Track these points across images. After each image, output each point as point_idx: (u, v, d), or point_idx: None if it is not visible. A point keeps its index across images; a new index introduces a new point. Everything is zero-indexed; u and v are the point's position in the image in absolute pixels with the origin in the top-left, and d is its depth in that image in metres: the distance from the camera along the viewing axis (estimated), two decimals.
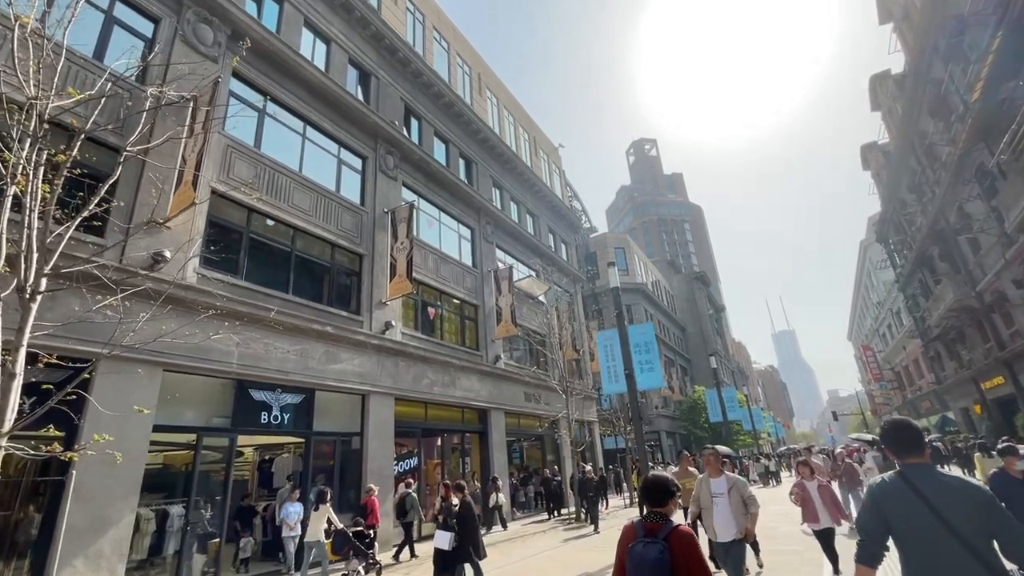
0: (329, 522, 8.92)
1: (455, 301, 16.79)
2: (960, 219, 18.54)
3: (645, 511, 2.75)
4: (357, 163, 14.07)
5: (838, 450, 13.26)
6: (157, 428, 7.96)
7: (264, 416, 9.76)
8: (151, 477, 8.06)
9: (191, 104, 9.44)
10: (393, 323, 13.01)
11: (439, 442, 15.76)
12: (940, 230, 20.72)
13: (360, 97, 14.65)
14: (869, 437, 16.91)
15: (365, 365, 12.02)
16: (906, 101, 20.76)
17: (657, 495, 2.69)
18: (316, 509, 8.89)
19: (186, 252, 8.89)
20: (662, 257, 70.37)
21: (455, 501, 7.60)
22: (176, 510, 8.26)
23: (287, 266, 11.13)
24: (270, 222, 10.95)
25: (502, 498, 14.22)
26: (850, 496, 10.74)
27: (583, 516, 14.07)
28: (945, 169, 18.31)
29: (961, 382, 24.43)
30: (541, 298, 21.35)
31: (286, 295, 10.70)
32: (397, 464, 13.73)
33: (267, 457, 12.05)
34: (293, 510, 9.47)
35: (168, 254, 8.47)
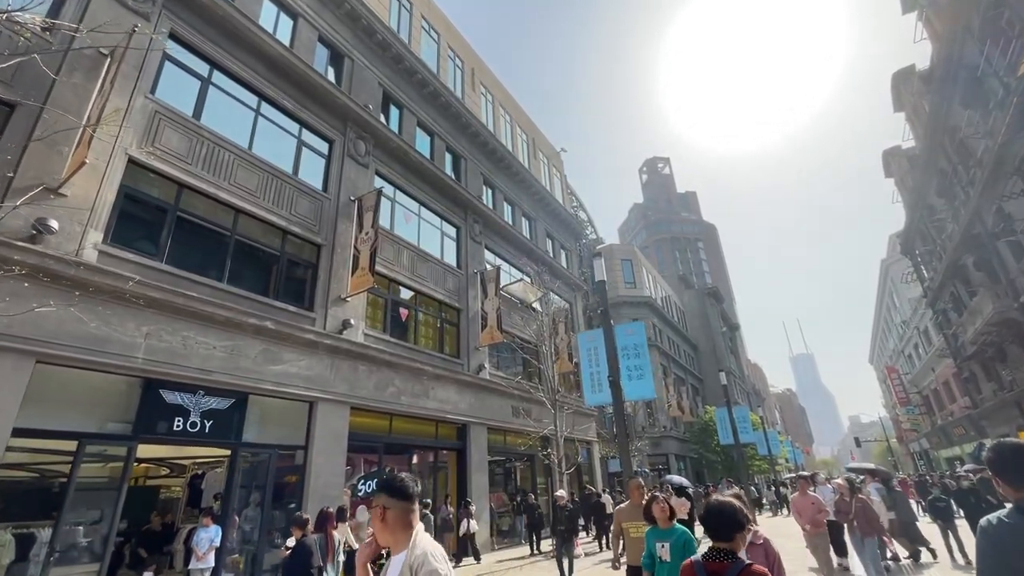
0: (347, 542, 8.44)
1: (433, 303, 15.29)
2: (999, 220, 16.63)
3: (707, 547, 2.28)
4: (322, 146, 12.80)
5: (837, 480, 9.43)
6: (20, 432, 6.51)
7: (178, 422, 8.26)
8: (14, 493, 6.61)
9: (107, 60, 8.24)
10: (352, 322, 11.53)
11: (415, 459, 14.14)
12: (975, 235, 18.76)
13: (331, 78, 13.46)
14: (870, 466, 14.67)
15: (315, 367, 10.52)
16: (934, 96, 19.05)
17: (722, 526, 2.26)
18: (335, 528, 8.08)
19: (84, 225, 7.60)
20: (675, 275, 68.34)
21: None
22: (46, 534, 6.74)
23: (223, 251, 9.76)
24: (204, 200, 9.61)
25: (475, 525, 12.46)
26: (864, 545, 7.58)
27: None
28: (981, 166, 16.49)
29: (1001, 405, 22.06)
30: (536, 305, 19.79)
31: (218, 283, 9.30)
32: (363, 483, 12.14)
33: (200, 472, 10.53)
34: (205, 536, 7.98)
35: (55, 224, 7.13)
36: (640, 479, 4.53)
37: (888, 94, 24.64)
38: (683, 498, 5.86)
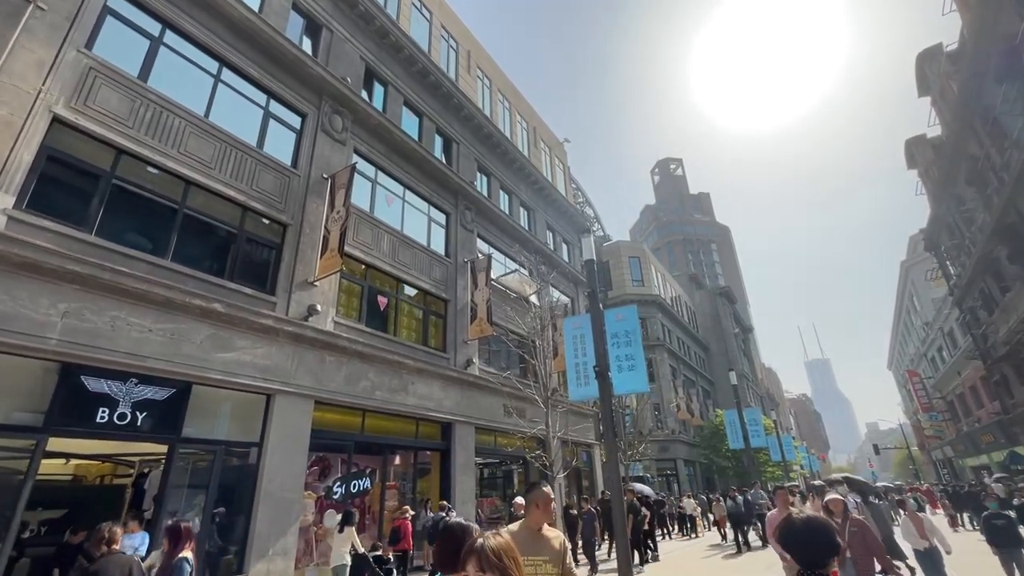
0: (353, 546, 8.53)
1: (417, 292, 14.25)
2: None
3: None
4: (293, 120, 11.86)
5: (831, 495, 6.12)
6: None
7: (103, 413, 7.28)
8: None
9: (30, 5, 7.36)
10: (320, 308, 10.53)
11: (397, 460, 13.13)
12: (1010, 224, 17.27)
13: (307, 50, 12.53)
14: (840, 476, 12.94)
15: (274, 357, 9.52)
16: (964, 73, 17.63)
17: (814, 548, 1.85)
18: (341, 531, 8.47)
19: None
20: (686, 276, 66.70)
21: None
22: None
23: (169, 225, 8.80)
24: (148, 169, 8.67)
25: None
26: None
27: None
28: (1018, 146, 15.07)
29: None
30: (533, 299, 18.65)
31: (160, 260, 8.34)
32: (339, 486, 11.16)
33: (145, 470, 9.58)
34: (128, 544, 6.95)
35: None
36: (548, 488, 3.06)
37: (907, 86, 23.19)
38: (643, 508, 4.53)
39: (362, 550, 8.90)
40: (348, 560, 8.37)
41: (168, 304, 8.08)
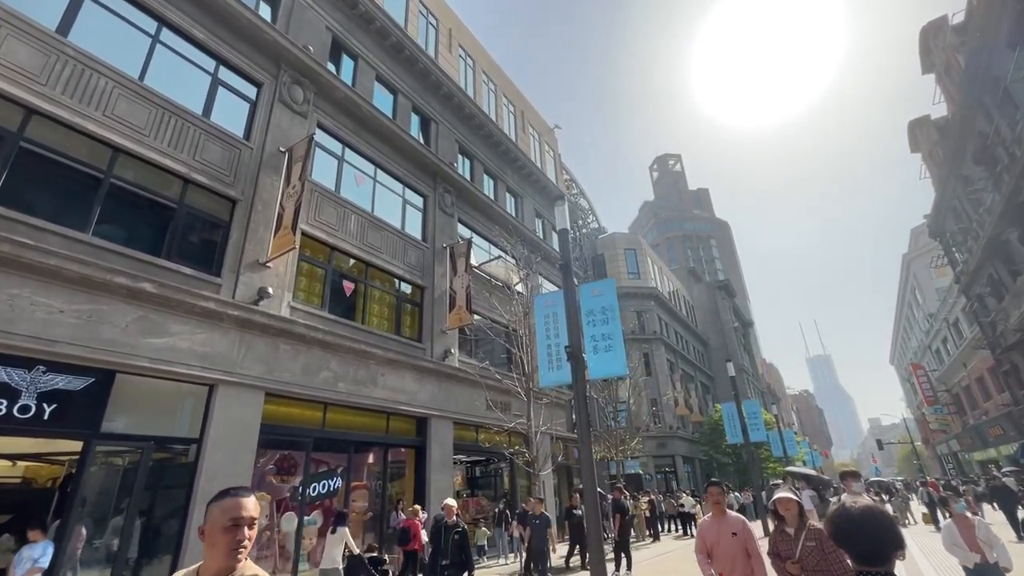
0: (346, 547, 8.18)
1: (390, 278, 13.30)
2: None
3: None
4: (247, 88, 10.91)
5: (782, 493, 4.37)
6: None
7: (1, 406, 6.35)
8: None
9: None
10: (271, 291, 9.58)
11: (370, 459, 12.21)
12: (1021, 203, 16.30)
13: (266, 15, 11.59)
14: (809, 472, 11.90)
15: (216, 343, 8.58)
16: (973, 44, 16.67)
17: (876, 539, 1.63)
18: (333, 532, 8.08)
19: None
20: (685, 270, 65.66)
21: None
22: None
23: (91, 195, 7.85)
24: (65, 132, 7.71)
25: (425, 536, 10.41)
26: None
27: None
28: None
29: None
30: (520, 288, 17.70)
31: (78, 233, 7.39)
32: (302, 488, 10.26)
33: (73, 471, 8.64)
34: (27, 554, 6.00)
35: None
36: (238, 499, 1.66)
37: (910, 76, 22.22)
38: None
39: (357, 551, 8.60)
40: (340, 563, 7.96)
41: (85, 282, 7.14)
